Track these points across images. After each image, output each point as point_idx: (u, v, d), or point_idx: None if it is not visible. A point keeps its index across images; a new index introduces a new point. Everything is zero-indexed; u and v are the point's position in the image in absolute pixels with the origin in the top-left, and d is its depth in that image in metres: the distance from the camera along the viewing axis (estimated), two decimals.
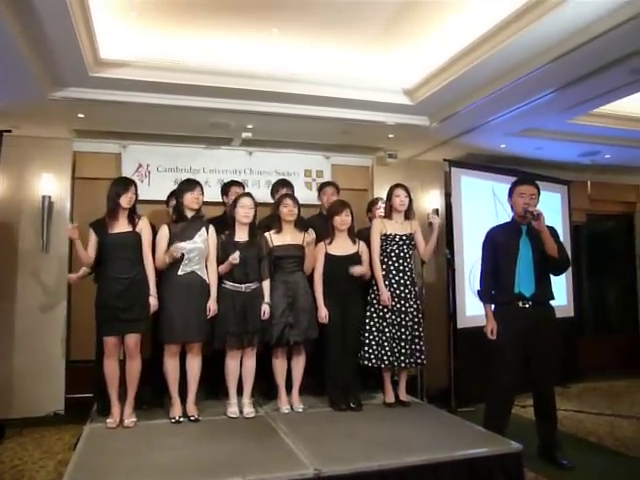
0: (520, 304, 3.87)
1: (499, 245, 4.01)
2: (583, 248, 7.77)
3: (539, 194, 4.03)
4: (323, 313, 4.32)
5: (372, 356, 4.36)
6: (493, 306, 4.05)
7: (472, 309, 5.48)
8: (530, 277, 3.87)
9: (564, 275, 6.65)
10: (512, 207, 4.07)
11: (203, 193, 4.25)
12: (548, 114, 5.01)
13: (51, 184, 5.28)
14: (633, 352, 7.54)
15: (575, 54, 3.67)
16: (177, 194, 4.26)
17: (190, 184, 4.22)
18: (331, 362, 4.35)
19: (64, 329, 5.24)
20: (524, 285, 3.86)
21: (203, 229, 4.15)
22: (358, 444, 3.50)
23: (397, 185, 4.57)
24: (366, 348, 4.38)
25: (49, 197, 5.24)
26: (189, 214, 4.17)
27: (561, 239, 6.62)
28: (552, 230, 3.95)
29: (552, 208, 6.72)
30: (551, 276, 4.01)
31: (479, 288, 4.17)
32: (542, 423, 3.97)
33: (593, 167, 6.92)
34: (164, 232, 4.10)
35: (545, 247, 3.81)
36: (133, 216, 4.03)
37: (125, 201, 3.96)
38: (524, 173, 6.25)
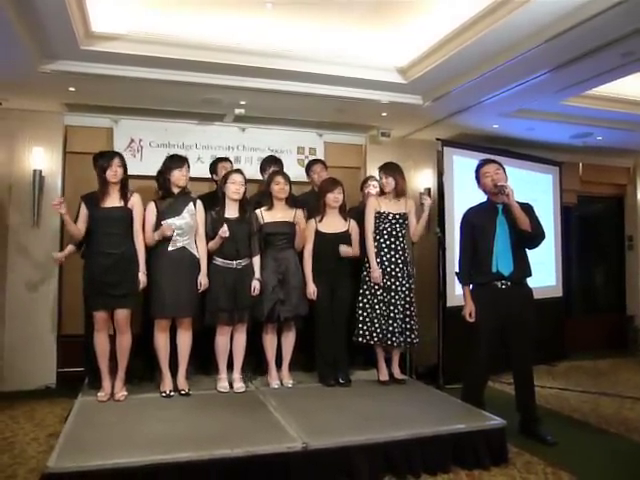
0: (498, 284, 3.90)
1: (476, 225, 4.02)
2: (573, 229, 7.82)
3: (503, 168, 4.03)
4: (311, 289, 4.35)
5: (366, 333, 4.40)
6: (471, 287, 4.09)
7: (461, 288, 5.52)
8: (508, 255, 3.90)
9: (553, 255, 6.73)
10: (484, 191, 4.08)
11: (189, 170, 4.24)
12: (541, 95, 5.01)
13: (42, 158, 5.24)
14: (619, 332, 7.67)
15: (568, 35, 3.66)
16: (163, 170, 4.21)
17: (178, 161, 4.19)
18: (320, 338, 4.41)
19: (55, 303, 5.26)
20: (502, 264, 3.89)
21: (191, 204, 4.15)
22: (346, 419, 3.56)
23: (380, 167, 4.65)
24: (360, 325, 4.43)
25: (40, 171, 5.20)
26: (175, 190, 4.16)
27: (551, 220, 6.71)
28: (527, 206, 3.97)
29: (543, 189, 6.76)
30: (529, 253, 4.03)
31: (457, 270, 4.21)
32: (521, 400, 4.02)
33: (585, 149, 6.93)
34: (151, 208, 4.09)
35: (517, 222, 3.84)
36: (125, 191, 4.01)
37: (110, 175, 3.93)
38: (516, 154, 6.29)
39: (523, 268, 3.97)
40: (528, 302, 3.99)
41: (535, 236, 3.92)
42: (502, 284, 3.90)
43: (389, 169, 4.58)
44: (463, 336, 4.07)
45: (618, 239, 8.09)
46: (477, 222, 4.03)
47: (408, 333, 4.46)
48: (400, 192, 4.57)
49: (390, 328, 4.39)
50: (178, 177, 4.13)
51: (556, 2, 3.40)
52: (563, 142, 6.67)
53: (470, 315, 4.00)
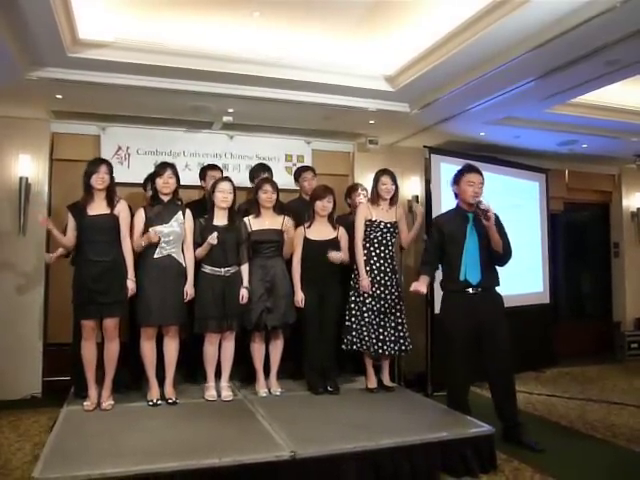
0: (470, 290, 3.93)
1: (446, 233, 4.04)
2: (560, 236, 7.87)
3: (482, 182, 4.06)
4: (299, 297, 4.35)
5: (355, 340, 4.39)
6: (443, 294, 4.13)
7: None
8: (476, 265, 3.92)
9: (540, 262, 6.76)
10: (456, 194, 4.09)
11: (176, 176, 4.19)
12: (527, 103, 5.05)
13: (28, 165, 5.20)
14: (606, 338, 7.70)
15: (553, 44, 3.70)
16: (152, 177, 4.24)
17: (160, 168, 4.19)
18: (309, 346, 4.40)
19: (41, 312, 5.21)
20: (470, 273, 3.92)
21: (179, 213, 4.13)
22: (334, 427, 3.55)
23: (384, 172, 4.56)
24: (353, 333, 4.41)
25: (26, 178, 5.17)
26: (164, 198, 4.15)
27: (538, 226, 6.74)
28: (497, 221, 3.96)
29: (530, 196, 6.80)
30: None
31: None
32: (500, 408, 3.98)
33: (570, 156, 6.99)
34: (140, 215, 4.08)
35: (491, 243, 3.88)
36: (112, 198, 3.99)
37: (96, 181, 3.91)
38: (502, 161, 6.33)
39: (491, 277, 4.01)
40: (499, 308, 4.01)
41: (504, 256, 3.98)
42: (473, 290, 3.93)
43: (393, 176, 4.54)
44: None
45: (604, 246, 8.15)
46: (447, 230, 4.05)
47: (402, 341, 4.46)
48: (396, 200, 4.58)
49: (381, 337, 4.38)
50: (160, 184, 4.12)
51: (541, 11, 3.44)
52: (549, 149, 6.73)
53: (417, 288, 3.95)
